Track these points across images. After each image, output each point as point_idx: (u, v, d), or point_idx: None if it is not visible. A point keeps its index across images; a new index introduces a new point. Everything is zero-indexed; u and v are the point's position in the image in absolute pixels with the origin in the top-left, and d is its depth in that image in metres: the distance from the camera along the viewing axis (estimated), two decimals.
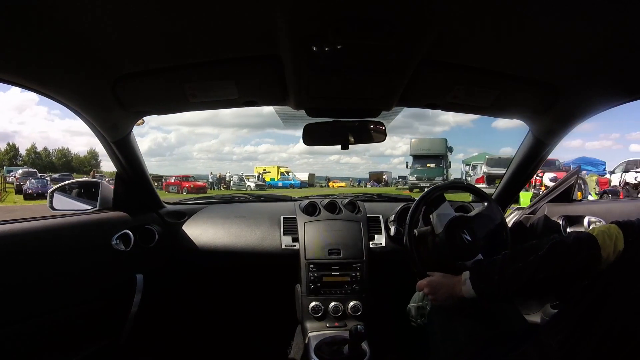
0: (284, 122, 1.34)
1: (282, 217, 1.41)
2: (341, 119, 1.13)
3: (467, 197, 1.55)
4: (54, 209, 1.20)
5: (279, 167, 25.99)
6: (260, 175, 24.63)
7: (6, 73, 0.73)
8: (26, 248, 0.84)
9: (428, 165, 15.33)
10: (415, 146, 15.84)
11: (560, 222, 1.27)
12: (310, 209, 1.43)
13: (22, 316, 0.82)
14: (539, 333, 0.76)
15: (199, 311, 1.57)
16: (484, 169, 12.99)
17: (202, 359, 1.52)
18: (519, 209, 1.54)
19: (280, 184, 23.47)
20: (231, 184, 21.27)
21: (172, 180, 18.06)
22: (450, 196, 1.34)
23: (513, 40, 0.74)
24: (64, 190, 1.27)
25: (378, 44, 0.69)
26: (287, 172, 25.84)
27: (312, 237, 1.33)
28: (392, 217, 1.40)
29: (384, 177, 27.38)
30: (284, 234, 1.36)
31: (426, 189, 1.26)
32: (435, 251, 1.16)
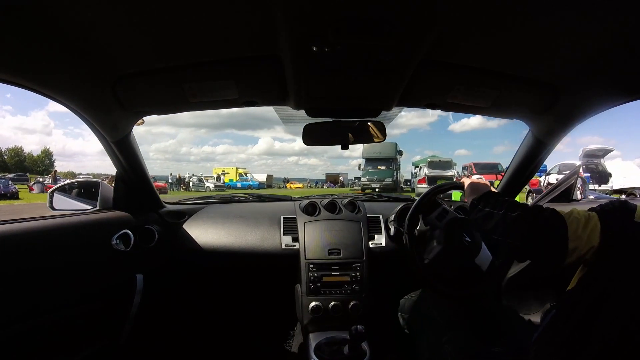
0: (283, 122, 1.34)
1: (282, 217, 1.41)
2: (341, 119, 1.13)
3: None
4: (54, 209, 1.20)
5: (237, 169, 26.50)
6: (219, 177, 25.03)
7: (6, 73, 0.73)
8: (26, 248, 0.84)
9: (379, 167, 16.35)
10: (367, 150, 16.54)
11: None
12: (310, 209, 1.44)
13: (22, 316, 0.82)
14: (538, 335, 0.75)
15: (199, 311, 1.58)
16: (426, 170, 13.96)
17: (202, 359, 1.52)
18: None
19: (239, 185, 23.75)
20: (190, 185, 21.43)
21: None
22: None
23: (513, 40, 0.74)
24: (64, 190, 1.27)
25: (378, 44, 0.69)
26: (246, 174, 26.34)
27: (312, 237, 1.33)
28: (392, 217, 1.40)
29: (340, 178, 28.36)
30: (284, 234, 1.36)
31: (423, 192, 1.26)
32: (435, 251, 1.16)
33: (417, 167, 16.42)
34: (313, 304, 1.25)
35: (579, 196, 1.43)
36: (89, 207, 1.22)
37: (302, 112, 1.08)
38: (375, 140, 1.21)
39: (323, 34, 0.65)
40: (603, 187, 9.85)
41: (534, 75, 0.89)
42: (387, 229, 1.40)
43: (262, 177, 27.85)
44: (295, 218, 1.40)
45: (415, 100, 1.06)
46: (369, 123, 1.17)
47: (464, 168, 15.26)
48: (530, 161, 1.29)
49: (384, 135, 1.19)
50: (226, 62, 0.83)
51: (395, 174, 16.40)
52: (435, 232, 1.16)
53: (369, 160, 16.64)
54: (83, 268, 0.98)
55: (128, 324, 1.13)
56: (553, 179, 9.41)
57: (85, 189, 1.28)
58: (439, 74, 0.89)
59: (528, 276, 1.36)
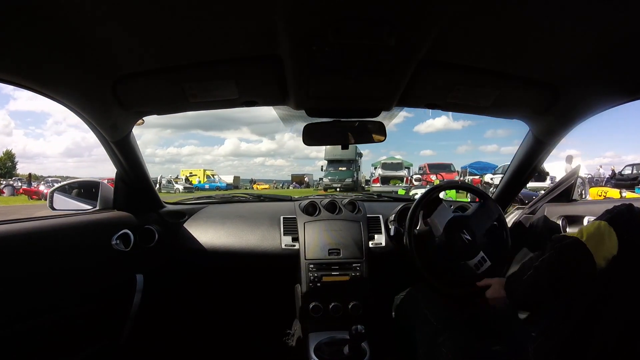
0: (284, 122, 1.33)
1: (282, 217, 1.41)
2: (341, 119, 1.13)
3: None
4: (54, 209, 1.20)
5: (204, 170, 26.79)
6: (187, 178, 25.20)
7: (6, 73, 0.73)
8: (26, 248, 0.84)
9: (340, 168, 17.30)
10: (329, 152, 17.38)
11: (560, 222, 1.27)
12: (310, 209, 1.44)
13: (22, 316, 0.82)
14: (537, 334, 0.75)
15: (199, 311, 1.57)
16: (379, 171, 15.37)
17: (202, 359, 1.52)
18: (519, 208, 1.55)
19: (207, 186, 23.88)
20: (161, 186, 21.51)
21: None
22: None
23: (513, 40, 0.74)
24: (64, 190, 1.27)
25: (378, 44, 0.69)
26: (213, 175, 26.61)
27: (312, 237, 1.33)
28: (392, 217, 1.40)
29: (306, 179, 29.10)
30: (284, 234, 1.36)
31: (422, 189, 1.27)
32: (435, 251, 1.16)
33: (376, 167, 17.51)
34: (313, 304, 1.25)
35: (578, 197, 1.43)
36: (89, 207, 1.22)
37: (302, 112, 1.08)
38: (376, 140, 1.21)
39: (323, 34, 0.65)
40: (540, 184, 10.42)
41: (534, 75, 0.89)
42: (387, 229, 1.40)
43: (229, 179, 28.05)
44: (295, 218, 1.40)
45: (415, 100, 1.06)
46: (369, 123, 1.17)
47: (420, 168, 16.67)
48: (530, 161, 1.29)
49: (384, 135, 1.19)
50: (226, 62, 0.83)
51: (355, 175, 17.42)
52: (435, 232, 1.16)
53: (331, 161, 17.59)
54: (83, 268, 0.98)
55: (128, 324, 1.13)
56: (487, 178, 10.80)
57: (85, 189, 1.28)
58: (439, 74, 0.89)
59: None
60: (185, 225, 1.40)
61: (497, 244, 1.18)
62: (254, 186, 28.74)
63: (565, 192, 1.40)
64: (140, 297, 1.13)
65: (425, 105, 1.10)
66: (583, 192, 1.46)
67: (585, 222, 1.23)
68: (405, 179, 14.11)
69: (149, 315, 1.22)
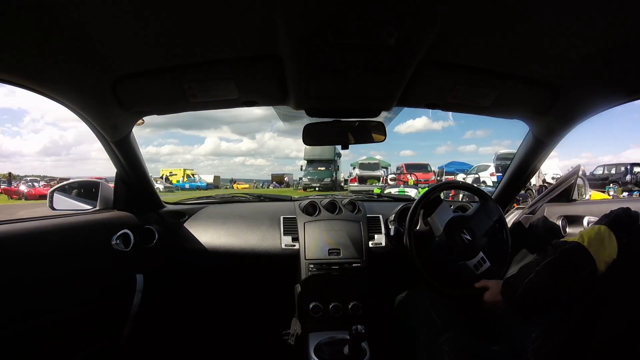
0: (284, 122, 1.34)
1: (282, 217, 1.41)
2: (341, 119, 1.13)
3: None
4: (54, 209, 1.20)
5: (184, 170, 26.73)
6: (167, 178, 25.18)
7: (6, 73, 0.73)
8: (26, 248, 0.84)
9: (319, 168, 17.73)
10: (309, 152, 17.86)
11: (560, 223, 1.27)
12: (310, 209, 1.44)
13: (22, 316, 0.82)
14: (537, 334, 0.75)
15: (199, 311, 1.57)
16: (357, 171, 15.80)
17: (202, 359, 1.52)
18: (518, 208, 1.55)
19: (187, 186, 23.90)
20: None
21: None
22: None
23: (513, 40, 0.74)
24: (64, 190, 1.27)
25: (378, 44, 0.69)
26: (193, 175, 26.55)
27: (312, 237, 1.33)
28: (392, 217, 1.40)
29: (285, 179, 29.32)
30: (284, 234, 1.36)
31: (427, 188, 1.26)
32: (435, 251, 1.16)
33: (354, 167, 17.99)
34: (313, 304, 1.25)
35: (578, 197, 1.43)
36: (89, 207, 1.22)
37: (303, 112, 1.08)
38: (376, 140, 1.21)
39: (323, 34, 0.65)
40: None
41: (534, 75, 0.89)
42: (387, 229, 1.40)
43: (209, 178, 27.99)
44: (295, 218, 1.40)
45: (415, 100, 1.06)
46: (369, 123, 1.17)
47: (397, 168, 17.23)
48: (530, 161, 1.29)
49: (384, 135, 1.19)
50: (226, 62, 0.83)
51: (334, 175, 17.91)
52: (435, 232, 1.16)
53: (310, 161, 18.02)
54: (83, 268, 0.98)
55: (128, 324, 1.13)
56: (460, 178, 11.46)
57: (85, 189, 1.28)
58: (439, 74, 0.89)
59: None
60: (185, 225, 1.40)
61: (496, 245, 1.18)
62: (234, 185, 28.63)
63: (565, 192, 1.40)
64: (140, 297, 1.13)
65: (425, 105, 1.10)
66: (583, 191, 1.45)
67: (585, 222, 1.24)
68: (381, 178, 14.54)
69: (149, 315, 1.22)
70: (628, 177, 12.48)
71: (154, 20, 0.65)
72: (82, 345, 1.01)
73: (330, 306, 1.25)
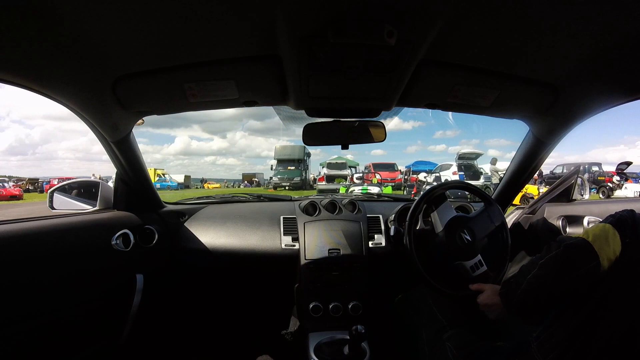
0: (283, 122, 1.34)
1: (282, 217, 1.41)
2: (341, 119, 1.13)
3: None
4: (53, 208, 1.20)
5: (155, 170, 26.35)
6: None
7: (6, 73, 0.73)
8: (26, 248, 0.84)
9: (289, 167, 18.14)
10: (279, 152, 18.58)
11: (560, 223, 1.27)
12: (310, 209, 1.44)
13: (22, 316, 0.82)
14: (539, 333, 0.75)
15: (199, 311, 1.58)
16: (325, 170, 16.65)
17: (202, 359, 1.52)
18: (518, 208, 1.55)
19: (158, 185, 23.96)
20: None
21: (56, 183, 17.79)
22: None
23: (513, 40, 0.74)
24: (63, 190, 1.27)
25: (378, 44, 0.69)
26: (164, 174, 26.50)
27: (312, 237, 1.33)
28: (392, 217, 1.40)
29: (255, 179, 29.92)
30: (284, 234, 1.36)
31: (427, 188, 1.26)
32: (435, 251, 1.16)
33: (323, 167, 18.63)
34: (313, 304, 1.25)
35: (578, 196, 1.43)
36: (89, 207, 1.22)
37: (302, 112, 1.08)
38: (376, 140, 1.21)
39: (323, 34, 0.65)
40: (475, 182, 11.36)
41: (534, 75, 0.89)
42: (387, 229, 1.40)
43: (179, 178, 27.95)
44: (295, 218, 1.40)
45: (415, 100, 1.06)
46: (368, 123, 1.17)
47: (365, 167, 17.86)
48: (530, 161, 1.29)
49: (384, 135, 1.19)
50: (226, 62, 0.83)
51: (303, 174, 18.20)
52: (436, 232, 1.16)
53: (280, 161, 18.42)
54: (83, 268, 0.98)
55: (128, 324, 1.13)
56: (421, 176, 12.42)
57: (85, 189, 1.28)
58: (439, 74, 0.89)
59: None
60: (185, 225, 1.40)
61: (496, 249, 1.18)
62: (205, 185, 28.65)
63: (565, 192, 1.40)
64: (140, 297, 1.13)
65: (425, 105, 1.10)
66: (582, 192, 1.45)
67: (585, 222, 1.24)
68: (349, 177, 15.00)
69: (149, 315, 1.22)
70: (586, 176, 13.30)
71: (154, 20, 0.65)
72: (82, 345, 1.01)
73: (330, 306, 1.25)
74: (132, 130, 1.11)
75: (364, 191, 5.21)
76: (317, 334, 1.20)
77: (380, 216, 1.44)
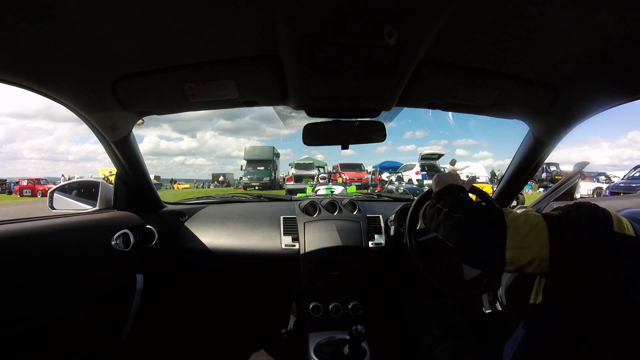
0: (283, 122, 1.33)
1: (282, 217, 1.41)
2: (341, 119, 1.13)
3: None
4: (53, 208, 1.20)
5: (110, 170, 26.21)
6: (107, 178, 24.91)
7: (6, 73, 0.73)
8: (26, 248, 0.84)
9: (258, 168, 18.54)
10: (248, 152, 19.03)
11: None
12: (310, 209, 1.44)
13: (22, 316, 0.82)
14: (516, 348, 0.73)
15: (199, 311, 1.58)
16: (293, 170, 16.95)
17: (202, 359, 1.52)
18: (520, 208, 1.55)
19: None
20: None
21: (25, 184, 17.96)
22: None
23: (513, 40, 0.74)
24: (63, 190, 1.27)
25: (378, 44, 0.69)
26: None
27: (312, 237, 1.33)
28: (392, 217, 1.40)
29: (220, 178, 30.14)
30: (284, 234, 1.36)
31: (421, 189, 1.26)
32: (434, 248, 1.16)
33: (291, 167, 18.98)
34: (313, 304, 1.25)
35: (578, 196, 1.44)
36: (89, 207, 1.22)
37: (303, 112, 1.08)
38: (376, 140, 1.21)
39: (323, 34, 0.65)
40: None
41: (534, 75, 0.89)
42: (387, 229, 1.40)
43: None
44: (295, 218, 1.40)
45: (415, 100, 1.06)
46: (368, 123, 1.17)
47: (333, 167, 18.29)
48: (530, 161, 1.29)
49: (384, 135, 1.19)
50: (226, 62, 0.83)
51: (272, 174, 18.67)
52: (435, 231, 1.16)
53: (250, 161, 18.85)
54: (83, 268, 0.98)
55: (128, 324, 1.13)
56: (384, 176, 12.74)
57: (85, 189, 1.28)
58: (439, 74, 0.89)
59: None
60: (185, 225, 1.40)
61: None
62: (175, 186, 28.51)
63: (568, 191, 1.41)
64: (140, 297, 1.13)
65: (425, 105, 1.10)
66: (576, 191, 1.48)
67: None
68: (315, 177, 15.18)
69: (149, 316, 1.22)
70: (544, 175, 14.21)
71: (154, 20, 0.65)
72: (82, 346, 1.01)
73: (330, 306, 1.25)
74: (132, 130, 1.11)
75: (328, 191, 5.35)
76: (317, 334, 1.20)
77: (380, 216, 1.44)
